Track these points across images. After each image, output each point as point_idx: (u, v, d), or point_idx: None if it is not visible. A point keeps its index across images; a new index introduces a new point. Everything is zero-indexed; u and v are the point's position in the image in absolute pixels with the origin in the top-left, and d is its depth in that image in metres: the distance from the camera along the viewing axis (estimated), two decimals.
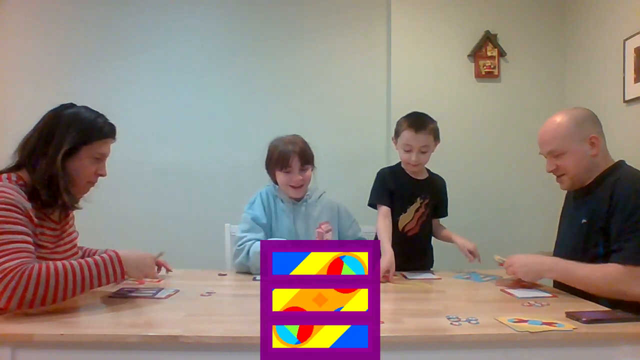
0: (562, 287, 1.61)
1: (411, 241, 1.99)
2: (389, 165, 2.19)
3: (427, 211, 2.03)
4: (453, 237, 2.04)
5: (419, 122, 1.96)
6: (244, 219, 1.98)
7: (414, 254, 2.00)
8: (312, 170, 2.00)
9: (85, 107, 1.49)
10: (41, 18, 2.88)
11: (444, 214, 2.13)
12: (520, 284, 1.65)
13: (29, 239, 1.28)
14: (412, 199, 2.01)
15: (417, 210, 2.01)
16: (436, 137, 2.00)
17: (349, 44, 2.95)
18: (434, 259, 2.16)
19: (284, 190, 2.01)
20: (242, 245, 1.89)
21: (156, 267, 1.59)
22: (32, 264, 1.21)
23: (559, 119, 1.65)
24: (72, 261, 1.28)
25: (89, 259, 1.31)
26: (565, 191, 1.81)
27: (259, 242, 1.89)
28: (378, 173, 2.10)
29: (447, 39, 2.89)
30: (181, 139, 2.90)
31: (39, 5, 2.88)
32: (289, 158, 1.93)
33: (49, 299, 1.21)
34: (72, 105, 1.48)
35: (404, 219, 2.01)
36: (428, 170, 2.10)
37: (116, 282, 1.36)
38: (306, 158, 1.96)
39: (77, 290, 1.26)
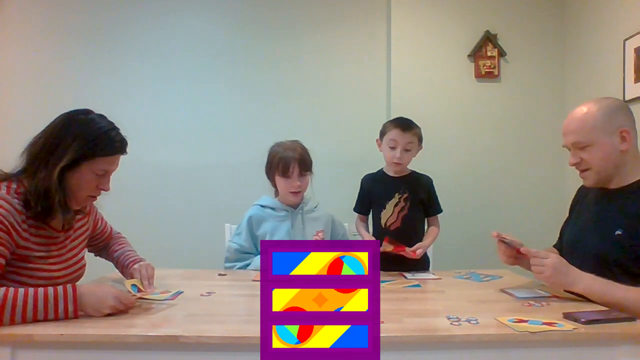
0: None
1: (395, 235, 1.99)
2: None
3: (407, 205, 2.04)
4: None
5: (405, 123, 2.03)
6: (228, 248, 2.04)
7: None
8: (309, 176, 2.03)
9: (101, 116, 1.39)
10: (43, 21, 2.88)
11: (435, 211, 2.12)
12: (514, 255, 1.60)
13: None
14: (390, 194, 2.05)
15: (396, 205, 2.04)
16: (420, 141, 2.05)
17: (349, 44, 2.95)
18: (433, 258, 2.16)
19: (284, 196, 2.04)
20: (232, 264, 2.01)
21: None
22: None
23: (586, 107, 1.48)
24: (21, 289, 1.17)
25: (40, 290, 1.18)
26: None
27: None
28: (361, 180, 2.18)
29: (447, 39, 2.89)
30: (181, 140, 2.91)
31: (40, 8, 2.88)
32: (289, 165, 1.96)
33: None
34: (87, 112, 1.38)
35: (385, 215, 2.05)
36: (412, 172, 2.12)
37: (67, 319, 1.19)
38: (305, 165, 2.00)
39: (17, 320, 1.14)
